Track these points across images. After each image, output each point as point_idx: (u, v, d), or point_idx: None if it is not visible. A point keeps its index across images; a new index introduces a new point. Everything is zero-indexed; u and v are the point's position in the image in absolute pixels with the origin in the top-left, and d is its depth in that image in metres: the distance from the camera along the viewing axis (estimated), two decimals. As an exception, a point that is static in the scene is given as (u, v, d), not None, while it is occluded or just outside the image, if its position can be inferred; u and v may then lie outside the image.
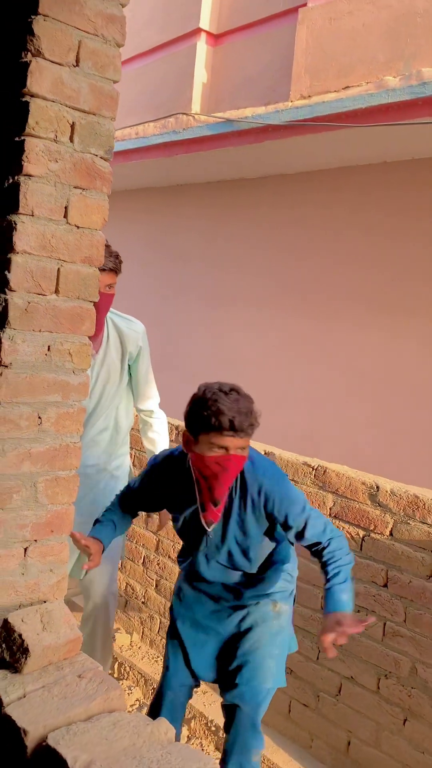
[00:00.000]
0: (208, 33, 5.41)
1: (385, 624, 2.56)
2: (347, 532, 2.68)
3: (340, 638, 2.11)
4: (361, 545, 2.64)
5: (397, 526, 2.54)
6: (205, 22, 5.36)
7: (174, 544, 3.47)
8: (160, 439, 3.13)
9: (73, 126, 1.81)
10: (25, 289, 1.79)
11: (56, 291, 1.85)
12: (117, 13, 1.86)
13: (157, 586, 3.62)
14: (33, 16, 1.72)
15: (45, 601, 1.95)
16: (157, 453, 2.90)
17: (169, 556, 3.52)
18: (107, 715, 1.63)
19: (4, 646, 1.77)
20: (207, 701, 3.21)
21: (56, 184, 1.80)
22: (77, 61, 1.80)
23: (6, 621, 1.78)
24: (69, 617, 1.88)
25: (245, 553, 2.32)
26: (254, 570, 2.38)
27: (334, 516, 2.73)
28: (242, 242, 5.70)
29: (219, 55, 5.42)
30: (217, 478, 2.18)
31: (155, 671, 3.43)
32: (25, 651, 1.73)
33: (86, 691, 1.70)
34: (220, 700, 2.45)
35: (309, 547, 2.31)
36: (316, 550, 2.28)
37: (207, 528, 2.31)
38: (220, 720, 3.03)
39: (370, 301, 4.72)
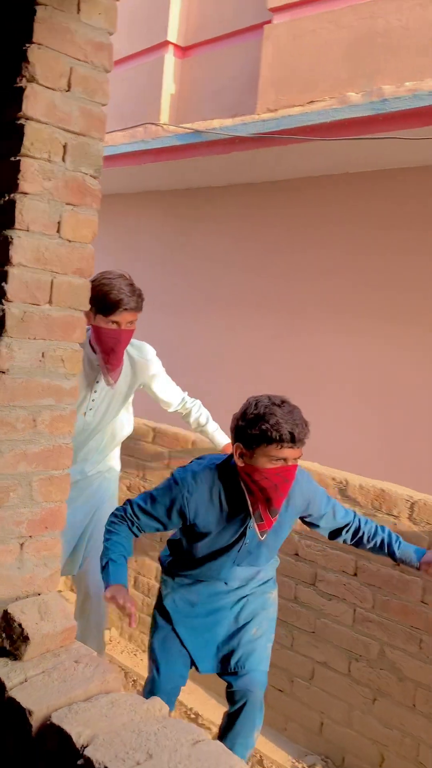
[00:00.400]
0: (176, 45, 5.53)
1: (355, 610, 2.72)
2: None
3: None
4: (332, 537, 2.80)
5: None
6: (173, 35, 5.49)
7: (152, 542, 3.59)
8: (204, 419, 3.23)
9: (65, 147, 1.93)
10: (21, 300, 1.89)
11: (50, 301, 1.96)
12: (105, 41, 1.98)
13: (135, 582, 3.73)
14: (28, 45, 1.83)
15: (39, 594, 2.05)
16: (209, 430, 3.21)
17: (147, 554, 3.64)
18: (105, 696, 1.75)
19: (4, 635, 1.88)
20: (185, 690, 3.34)
21: (50, 201, 1.91)
22: (69, 86, 1.92)
23: (6, 612, 1.88)
24: (64, 607, 1.99)
25: (272, 551, 2.47)
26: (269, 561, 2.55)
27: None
28: (208, 248, 5.83)
29: (187, 67, 5.56)
30: (277, 489, 2.24)
31: (134, 664, 3.54)
32: (26, 639, 1.83)
33: (84, 674, 1.82)
34: (198, 689, 2.58)
35: (338, 531, 2.47)
36: (352, 531, 2.46)
37: (261, 537, 2.35)
38: (198, 707, 3.15)
39: (331, 307, 4.89)
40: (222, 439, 3.22)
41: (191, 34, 5.54)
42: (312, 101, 4.47)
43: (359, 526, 2.45)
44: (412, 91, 3.86)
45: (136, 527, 2.48)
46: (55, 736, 1.59)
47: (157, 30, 5.58)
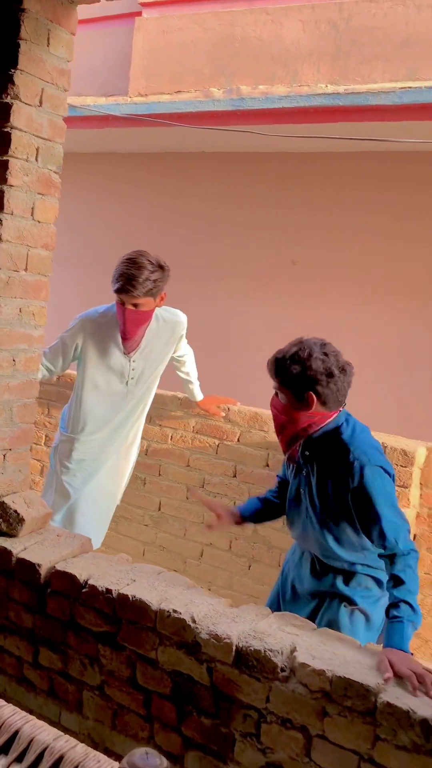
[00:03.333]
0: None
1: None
2: (207, 444, 3.59)
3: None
4: (217, 450, 3.55)
5: (243, 435, 3.48)
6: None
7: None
8: (195, 371, 3.41)
9: (38, 150, 2.44)
10: (7, 267, 2.40)
11: (26, 269, 2.48)
12: (65, 68, 2.50)
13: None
14: (13, 70, 2.31)
15: (16, 492, 2.61)
16: (195, 381, 3.37)
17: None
18: (87, 554, 2.39)
19: (1, 520, 2.44)
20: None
21: (27, 191, 2.42)
22: (41, 102, 2.42)
23: (3, 503, 2.44)
24: (41, 500, 2.59)
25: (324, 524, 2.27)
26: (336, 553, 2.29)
27: (197, 432, 3.61)
28: (78, 211, 6.26)
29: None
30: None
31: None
32: (21, 521, 2.41)
33: (66, 543, 2.43)
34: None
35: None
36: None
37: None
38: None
39: (216, 267, 5.59)
40: (200, 394, 3.52)
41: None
42: (179, 91, 5.06)
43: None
44: (266, 93, 4.58)
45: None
46: (61, 578, 2.22)
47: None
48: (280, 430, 2.31)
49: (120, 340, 3.05)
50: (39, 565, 2.26)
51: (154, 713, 2.06)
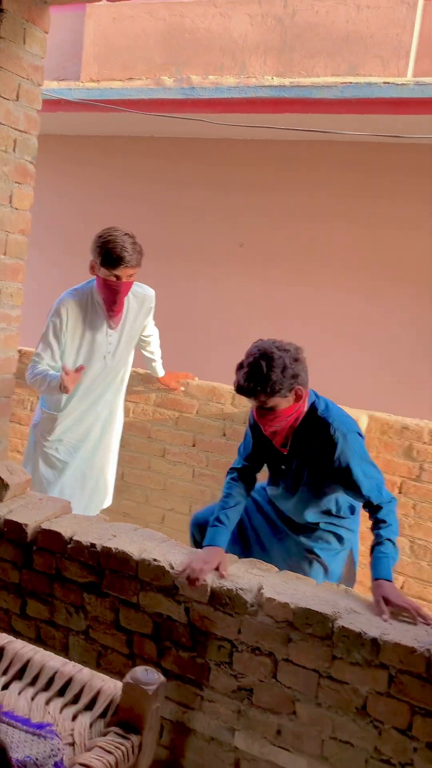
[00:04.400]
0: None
1: (194, 470, 3.75)
2: (167, 416, 3.81)
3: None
4: (177, 422, 3.78)
5: (201, 407, 3.72)
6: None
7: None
8: (159, 350, 3.58)
9: (15, 141, 2.59)
10: (-13, 252, 2.56)
11: (5, 252, 2.64)
12: (39, 64, 2.65)
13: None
14: (-7, 67, 2.45)
15: (-3, 462, 2.79)
16: (158, 359, 3.54)
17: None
18: (67, 515, 2.60)
19: (-14, 486, 2.62)
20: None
21: (5, 180, 2.58)
22: (17, 97, 2.57)
23: (-13, 470, 2.62)
24: (21, 468, 2.77)
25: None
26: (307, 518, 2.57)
27: (157, 405, 3.83)
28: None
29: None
30: None
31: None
32: (6, 486, 2.60)
33: (48, 505, 2.63)
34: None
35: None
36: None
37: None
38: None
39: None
40: (162, 371, 3.69)
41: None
42: (131, 78, 5.20)
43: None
44: (215, 84, 4.77)
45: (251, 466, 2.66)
46: (47, 536, 2.42)
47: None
48: (274, 433, 2.44)
49: (103, 316, 3.14)
50: (26, 525, 2.45)
51: (136, 651, 2.30)
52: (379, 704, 1.94)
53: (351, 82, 4.33)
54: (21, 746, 1.47)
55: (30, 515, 2.52)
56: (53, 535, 2.41)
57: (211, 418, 3.70)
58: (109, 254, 2.96)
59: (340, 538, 2.65)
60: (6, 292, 2.68)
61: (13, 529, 2.47)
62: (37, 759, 1.44)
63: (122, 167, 5.97)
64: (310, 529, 2.62)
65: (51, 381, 3.01)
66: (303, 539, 2.63)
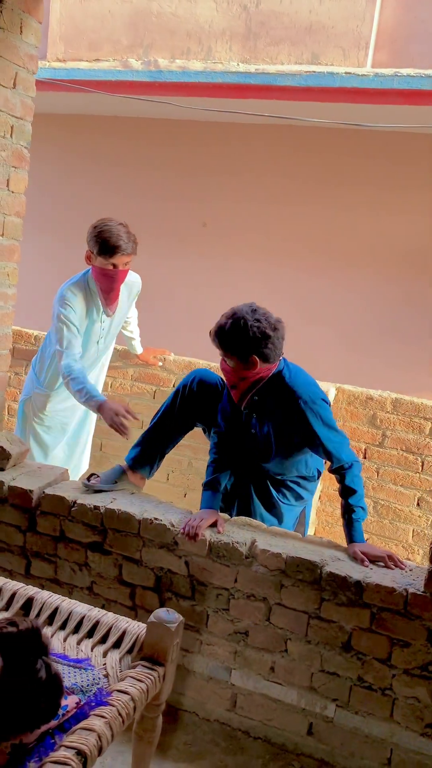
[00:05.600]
0: None
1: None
2: (144, 390, 3.98)
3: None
4: (154, 395, 3.96)
5: (177, 381, 3.90)
6: None
7: None
8: (137, 330, 3.76)
9: (12, 128, 2.69)
10: (-13, 234, 2.68)
11: (2, 234, 2.76)
12: (34, 53, 2.75)
13: None
14: (-7, 56, 2.55)
15: (-5, 433, 2.92)
16: (137, 338, 3.72)
17: None
18: (66, 481, 2.76)
19: (-12, 456, 2.76)
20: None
21: (3, 165, 2.68)
22: (14, 85, 2.67)
23: (-11, 441, 2.76)
24: (19, 438, 2.91)
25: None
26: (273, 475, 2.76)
27: (135, 379, 3.99)
28: None
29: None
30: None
31: None
32: (8, 456, 2.74)
33: (48, 473, 2.79)
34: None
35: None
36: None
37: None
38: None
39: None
40: (140, 348, 3.84)
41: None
42: (97, 59, 5.26)
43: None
44: (182, 68, 4.89)
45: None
46: (51, 500, 2.58)
47: None
48: (233, 386, 2.60)
49: (100, 304, 3.23)
50: (31, 491, 2.61)
51: (138, 603, 2.50)
52: (362, 639, 2.20)
53: (314, 71, 4.52)
54: (67, 676, 1.66)
55: (32, 482, 2.67)
56: (57, 500, 2.58)
57: (188, 392, 3.89)
58: (105, 243, 3.06)
59: (298, 496, 2.85)
60: (3, 272, 2.80)
61: (18, 494, 2.63)
62: (83, 686, 1.63)
63: (85, 146, 6.03)
64: (276, 480, 2.78)
65: (89, 399, 3.02)
66: (269, 485, 2.78)
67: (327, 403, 2.60)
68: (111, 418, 2.90)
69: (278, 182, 5.46)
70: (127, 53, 5.16)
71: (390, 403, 3.54)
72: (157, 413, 2.92)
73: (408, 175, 5.10)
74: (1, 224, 2.73)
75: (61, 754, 1.43)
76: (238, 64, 4.83)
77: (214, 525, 2.44)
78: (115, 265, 3.13)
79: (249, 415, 2.68)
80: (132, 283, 3.41)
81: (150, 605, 2.47)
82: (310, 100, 4.64)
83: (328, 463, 2.61)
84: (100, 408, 2.96)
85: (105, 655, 1.81)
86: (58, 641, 1.84)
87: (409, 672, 2.16)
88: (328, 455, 2.55)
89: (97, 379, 3.53)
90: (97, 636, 1.87)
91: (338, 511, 3.54)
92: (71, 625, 1.90)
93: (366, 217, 5.18)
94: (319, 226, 5.34)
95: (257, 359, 2.49)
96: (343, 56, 4.70)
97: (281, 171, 5.42)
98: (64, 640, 1.86)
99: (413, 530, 3.53)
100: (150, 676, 1.74)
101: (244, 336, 2.44)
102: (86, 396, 3.01)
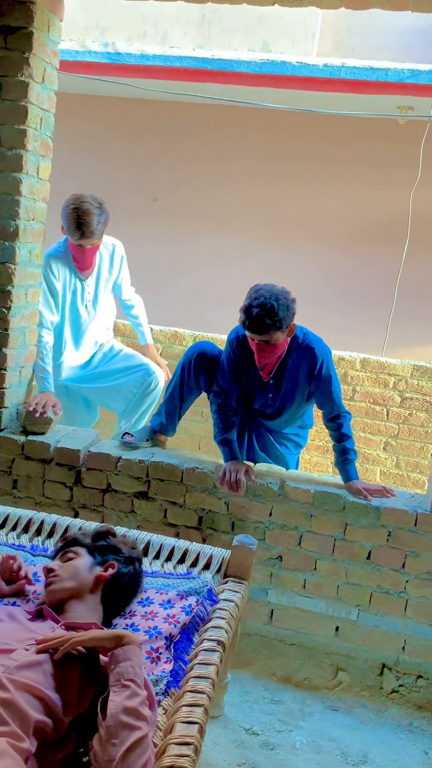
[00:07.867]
0: None
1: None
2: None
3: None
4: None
5: (164, 350, 4.21)
6: None
7: None
8: (144, 314, 3.82)
9: (41, 120, 2.90)
10: (23, 218, 2.89)
11: (33, 218, 2.97)
12: (58, 50, 2.95)
13: None
14: (29, 53, 2.74)
15: (26, 402, 3.15)
16: (144, 324, 3.76)
17: None
18: (106, 441, 3.06)
19: (29, 422, 3.00)
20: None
21: (35, 154, 2.89)
22: (43, 80, 2.87)
23: (34, 409, 3.00)
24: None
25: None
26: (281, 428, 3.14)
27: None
28: None
29: None
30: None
31: None
32: (49, 421, 3.00)
33: (85, 436, 3.07)
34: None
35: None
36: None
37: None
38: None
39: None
40: (145, 339, 3.85)
41: None
42: (53, 38, 5.33)
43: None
44: (141, 51, 5.08)
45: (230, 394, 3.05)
46: (97, 458, 2.88)
47: None
48: (263, 366, 2.84)
49: (76, 269, 3.42)
50: (78, 450, 2.90)
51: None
52: (380, 553, 2.68)
53: (267, 59, 4.85)
54: (179, 584, 2.02)
55: (76, 443, 2.96)
56: (103, 456, 2.88)
57: (175, 359, 4.21)
58: (72, 226, 3.17)
59: (297, 445, 3.30)
60: (34, 253, 3.02)
61: (66, 454, 2.91)
62: (196, 589, 1.99)
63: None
64: (278, 434, 3.20)
65: (38, 380, 3.23)
66: (272, 439, 3.17)
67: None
68: (37, 402, 3.08)
69: (227, 159, 5.78)
70: (83, 34, 5.28)
71: (359, 362, 4.02)
72: (168, 386, 3.24)
73: (346, 153, 5.59)
74: (33, 209, 2.95)
75: (208, 645, 1.80)
76: (194, 50, 5.08)
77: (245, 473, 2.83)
78: (81, 245, 3.26)
79: (274, 385, 2.99)
80: (112, 246, 3.56)
81: (195, 541, 2.83)
82: (263, 86, 4.98)
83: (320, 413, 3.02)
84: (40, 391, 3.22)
85: (200, 574, 2.18)
86: (159, 567, 2.19)
87: (420, 577, 2.66)
88: (331, 404, 2.92)
89: (105, 342, 3.75)
90: (189, 560, 2.23)
91: (313, 459, 4.03)
92: (164, 554, 2.25)
93: (311, 191, 5.62)
94: (267, 200, 5.73)
95: (294, 326, 2.84)
96: (291, 45, 5.05)
97: (231, 149, 5.75)
98: (163, 563, 2.21)
99: (380, 470, 4.05)
100: (240, 589, 2.13)
101: (287, 308, 2.73)
102: (40, 375, 3.23)
